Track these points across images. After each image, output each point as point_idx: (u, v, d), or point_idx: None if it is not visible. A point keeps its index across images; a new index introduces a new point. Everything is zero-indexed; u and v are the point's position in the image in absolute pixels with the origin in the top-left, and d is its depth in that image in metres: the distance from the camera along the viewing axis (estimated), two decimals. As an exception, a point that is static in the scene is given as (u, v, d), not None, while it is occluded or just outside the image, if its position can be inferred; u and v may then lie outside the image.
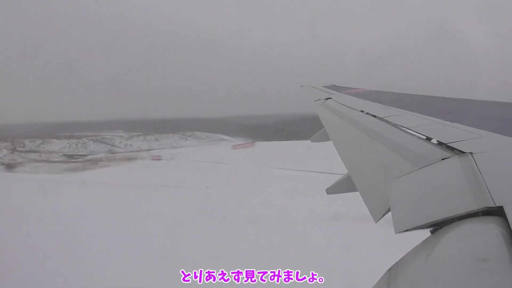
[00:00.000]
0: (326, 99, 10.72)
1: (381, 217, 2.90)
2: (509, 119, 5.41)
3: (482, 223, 1.98)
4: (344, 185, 5.52)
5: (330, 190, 6.17)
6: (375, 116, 6.41)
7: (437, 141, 3.90)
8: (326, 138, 7.70)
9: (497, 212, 1.97)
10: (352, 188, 4.17)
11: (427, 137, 4.23)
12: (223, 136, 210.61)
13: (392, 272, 1.91)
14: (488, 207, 2.02)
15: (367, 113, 6.88)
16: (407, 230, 2.27)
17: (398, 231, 2.31)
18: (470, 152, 3.10)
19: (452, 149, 3.45)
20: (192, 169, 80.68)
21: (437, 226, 2.21)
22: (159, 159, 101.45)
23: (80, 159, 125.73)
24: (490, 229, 1.85)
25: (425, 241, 2.11)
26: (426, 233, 2.30)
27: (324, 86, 14.39)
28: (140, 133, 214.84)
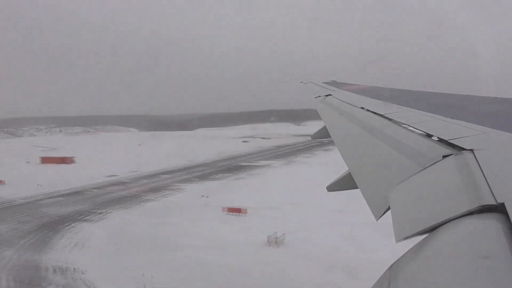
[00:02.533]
0: (326, 95, 10.64)
1: (382, 215, 2.88)
2: (510, 115, 5.33)
3: (484, 220, 1.94)
4: (345, 183, 5.49)
5: (331, 188, 6.08)
6: (375, 113, 6.34)
7: (438, 138, 3.85)
8: (326, 135, 7.69)
9: (498, 209, 1.94)
10: (353, 186, 4.14)
11: (427, 134, 4.17)
12: (131, 129, 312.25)
13: (393, 270, 1.90)
14: (489, 204, 1.99)
15: (367, 110, 6.81)
16: (408, 238, 2.25)
17: (398, 240, 2.30)
18: (471, 149, 3.06)
19: (453, 145, 3.40)
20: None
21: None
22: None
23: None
24: (491, 226, 1.83)
25: (426, 239, 2.08)
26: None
27: (324, 83, 14.32)
28: (52, 126, 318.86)
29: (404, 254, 2.01)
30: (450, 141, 3.52)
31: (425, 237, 2.09)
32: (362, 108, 7.20)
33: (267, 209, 60.94)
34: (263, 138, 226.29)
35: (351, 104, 8.31)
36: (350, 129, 6.53)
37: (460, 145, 3.25)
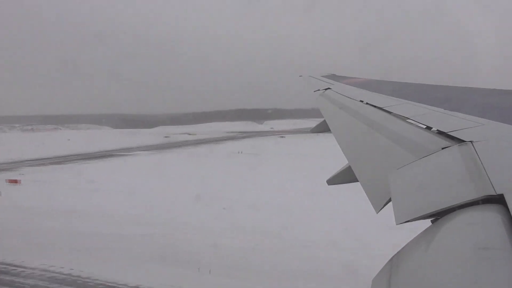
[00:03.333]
0: (326, 89, 10.71)
1: (382, 207, 2.95)
2: (509, 107, 5.51)
3: (483, 211, 2.04)
4: (345, 176, 5.55)
5: (331, 181, 6.13)
6: (374, 106, 6.48)
7: (437, 130, 3.97)
8: (326, 128, 7.68)
9: (498, 200, 2.04)
10: (353, 179, 4.17)
11: (427, 126, 4.30)
12: (104, 127, 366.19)
13: (394, 262, 1.99)
14: (489, 195, 2.09)
15: (367, 103, 6.97)
16: (408, 221, 2.33)
17: (399, 222, 2.37)
18: (470, 141, 3.16)
19: (452, 138, 3.51)
20: None
21: (438, 216, 2.27)
22: None
23: None
24: (490, 217, 1.92)
25: (426, 231, 2.19)
26: (428, 221, 2.42)
27: (323, 76, 14.38)
28: (25, 124, 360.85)
29: (404, 246, 2.10)
30: (449, 133, 3.58)
31: (425, 229, 2.20)
32: (362, 101, 7.24)
33: (43, 181, 78.21)
34: (189, 134, 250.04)
35: (350, 98, 8.35)
36: (349, 122, 6.55)
37: (460, 137, 3.34)
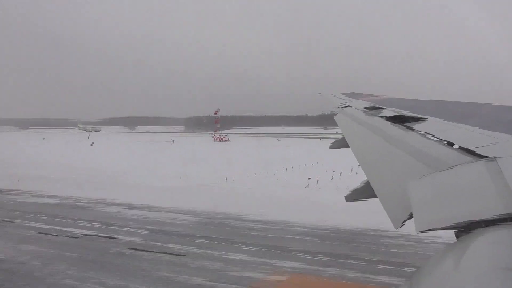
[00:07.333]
0: (345, 106, 10.89)
1: (402, 224, 2.88)
2: None
3: (508, 230, 1.98)
4: (364, 192, 5.53)
5: (349, 197, 6.15)
6: (394, 122, 6.52)
7: (460, 146, 3.94)
8: (344, 145, 7.68)
9: None
10: (372, 195, 4.07)
11: (448, 142, 4.28)
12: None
13: (414, 280, 1.91)
14: None
15: (386, 119, 7.01)
16: (430, 230, 2.29)
17: (420, 231, 2.32)
18: (494, 157, 3.14)
19: (475, 154, 3.48)
20: None
21: (461, 229, 2.23)
22: None
23: None
24: None
25: (447, 249, 2.13)
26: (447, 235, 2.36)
27: (343, 94, 14.70)
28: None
29: (423, 264, 2.03)
30: (472, 149, 3.53)
31: (445, 247, 2.13)
32: (381, 117, 7.25)
33: None
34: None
35: (369, 114, 8.34)
36: (368, 138, 6.49)
37: (483, 153, 3.29)
